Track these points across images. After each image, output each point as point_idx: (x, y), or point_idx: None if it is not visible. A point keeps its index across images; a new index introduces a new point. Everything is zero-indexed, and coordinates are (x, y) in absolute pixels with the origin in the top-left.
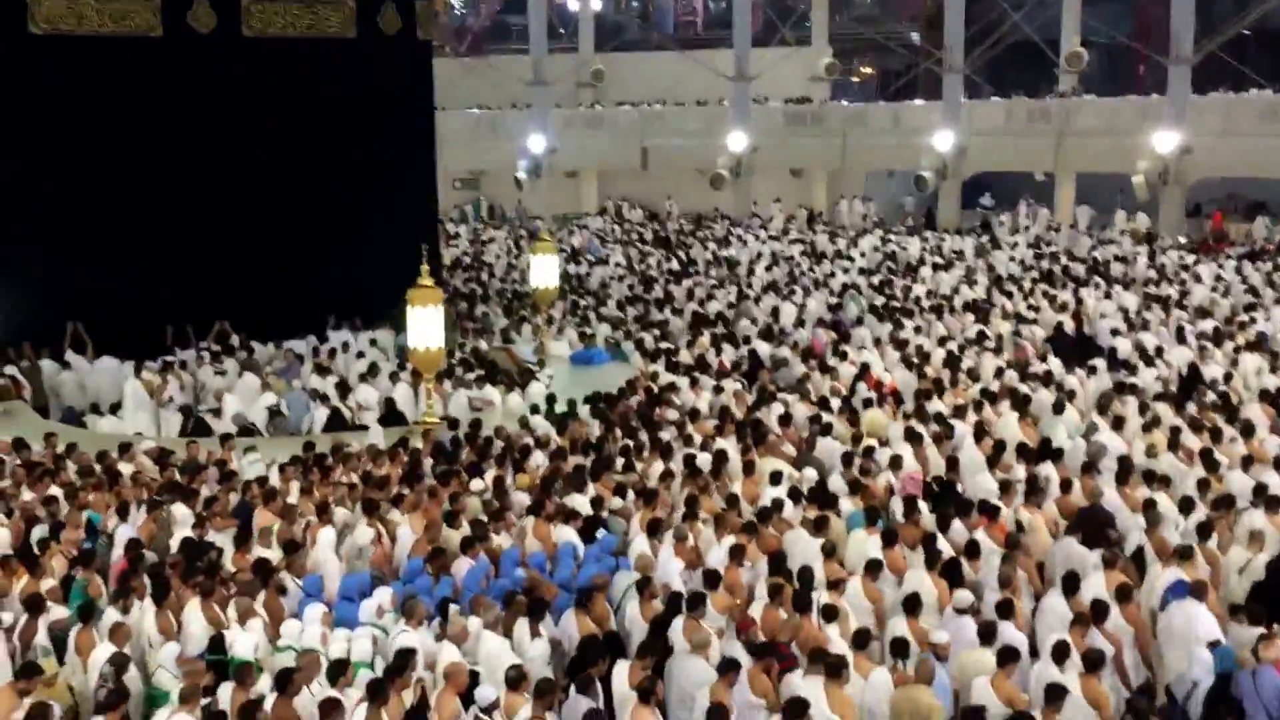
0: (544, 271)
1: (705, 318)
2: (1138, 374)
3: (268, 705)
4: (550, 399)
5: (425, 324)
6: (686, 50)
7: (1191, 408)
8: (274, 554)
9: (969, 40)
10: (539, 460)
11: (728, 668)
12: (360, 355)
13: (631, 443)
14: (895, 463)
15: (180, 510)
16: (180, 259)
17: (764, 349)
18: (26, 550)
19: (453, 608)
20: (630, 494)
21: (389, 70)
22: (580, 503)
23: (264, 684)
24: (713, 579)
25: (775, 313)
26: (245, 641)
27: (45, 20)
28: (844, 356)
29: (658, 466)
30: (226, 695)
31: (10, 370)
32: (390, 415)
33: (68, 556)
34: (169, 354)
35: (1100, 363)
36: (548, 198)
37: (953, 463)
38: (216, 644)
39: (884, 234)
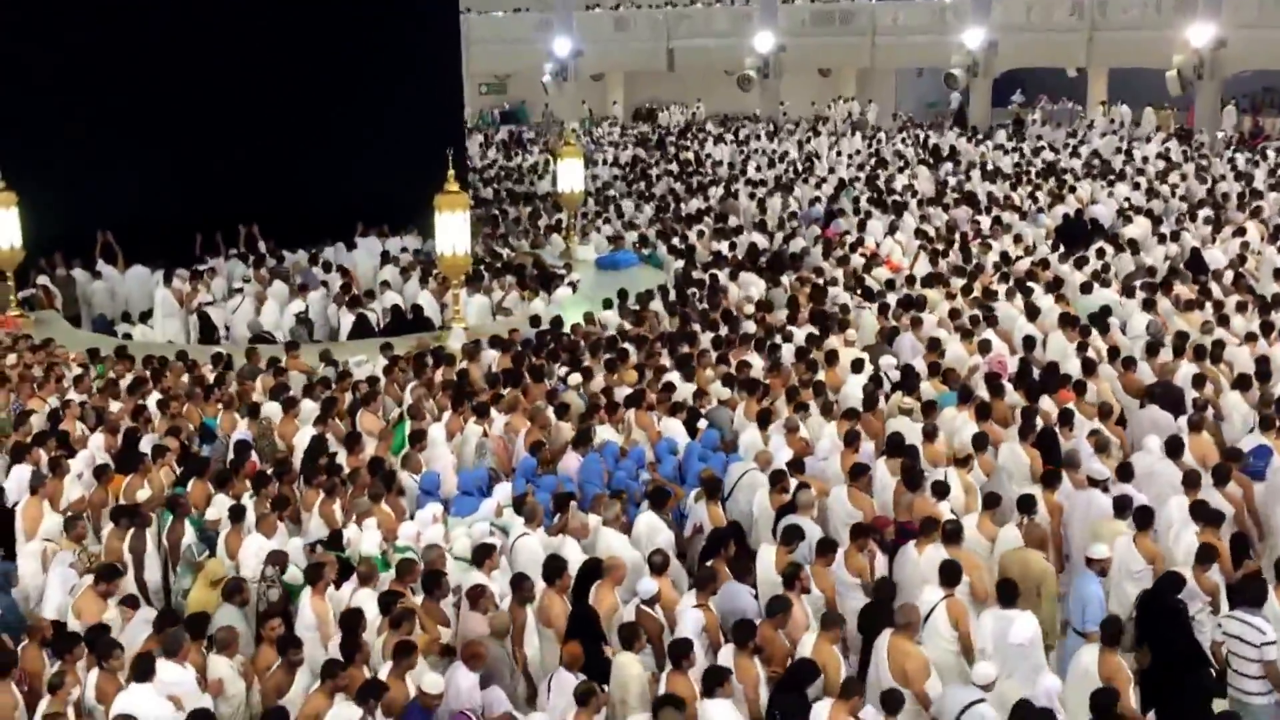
0: (569, 176)
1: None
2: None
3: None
4: (622, 293)
5: (452, 229)
6: None
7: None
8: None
9: None
10: (624, 354)
11: (825, 549)
12: (387, 261)
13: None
14: (984, 347)
15: (306, 407)
16: (207, 167)
17: (761, 241)
18: (125, 460)
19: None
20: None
21: None
22: (682, 394)
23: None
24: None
25: (762, 205)
26: (369, 539)
27: None
28: (855, 247)
29: (753, 358)
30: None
31: (42, 280)
32: (417, 321)
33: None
34: (198, 261)
35: (1109, 247)
36: (574, 100)
37: (1030, 342)
38: (334, 540)
39: (882, 132)
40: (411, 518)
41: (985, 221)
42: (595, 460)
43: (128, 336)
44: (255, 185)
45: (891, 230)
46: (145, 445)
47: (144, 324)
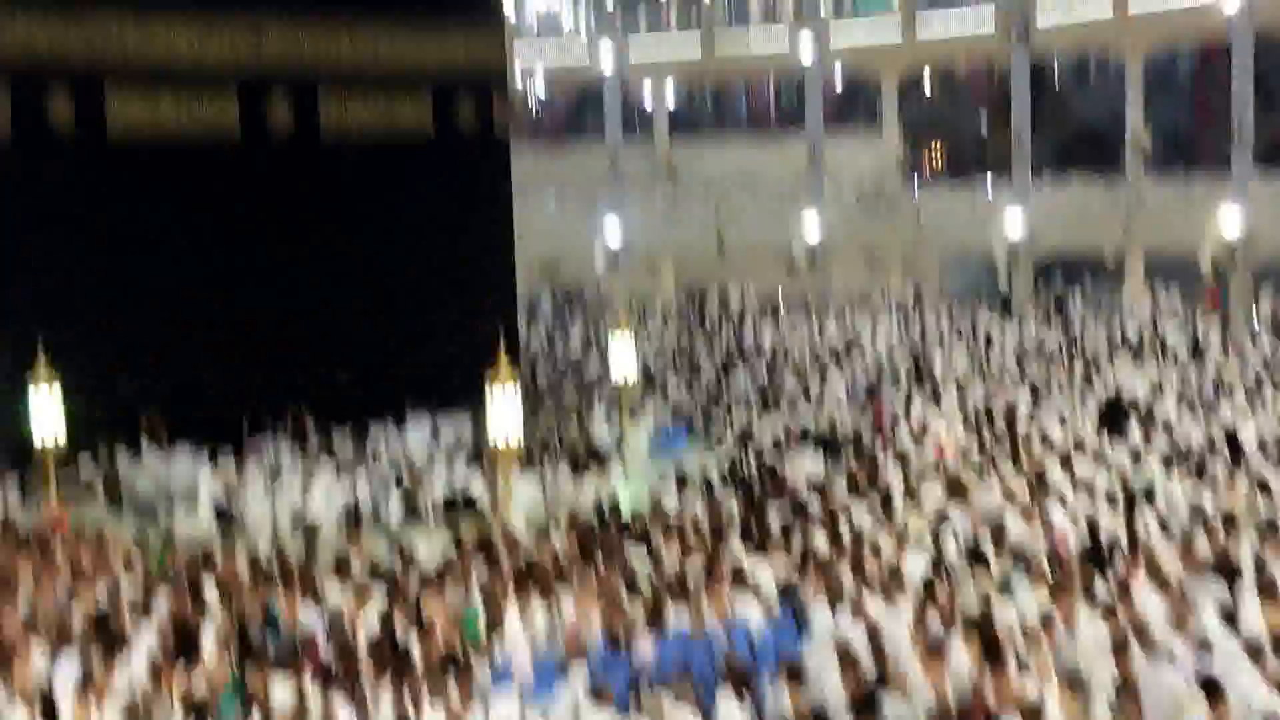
0: (621, 358)
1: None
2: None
3: None
4: (681, 475)
5: (503, 411)
6: (760, 138)
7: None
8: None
9: (1035, 124)
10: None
11: None
12: (437, 441)
13: (785, 515)
14: (1046, 522)
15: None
16: (254, 349)
17: (804, 419)
18: (181, 652)
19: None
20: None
21: (467, 162)
22: (752, 574)
23: None
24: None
25: (806, 386)
26: None
27: (124, 121)
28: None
29: (819, 537)
30: None
31: (85, 464)
32: (467, 504)
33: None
34: (245, 444)
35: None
36: (625, 284)
37: (1090, 518)
38: None
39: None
40: (483, 704)
41: (1026, 399)
42: (669, 643)
43: (171, 522)
44: (303, 366)
45: (935, 408)
46: (203, 636)
47: (189, 509)
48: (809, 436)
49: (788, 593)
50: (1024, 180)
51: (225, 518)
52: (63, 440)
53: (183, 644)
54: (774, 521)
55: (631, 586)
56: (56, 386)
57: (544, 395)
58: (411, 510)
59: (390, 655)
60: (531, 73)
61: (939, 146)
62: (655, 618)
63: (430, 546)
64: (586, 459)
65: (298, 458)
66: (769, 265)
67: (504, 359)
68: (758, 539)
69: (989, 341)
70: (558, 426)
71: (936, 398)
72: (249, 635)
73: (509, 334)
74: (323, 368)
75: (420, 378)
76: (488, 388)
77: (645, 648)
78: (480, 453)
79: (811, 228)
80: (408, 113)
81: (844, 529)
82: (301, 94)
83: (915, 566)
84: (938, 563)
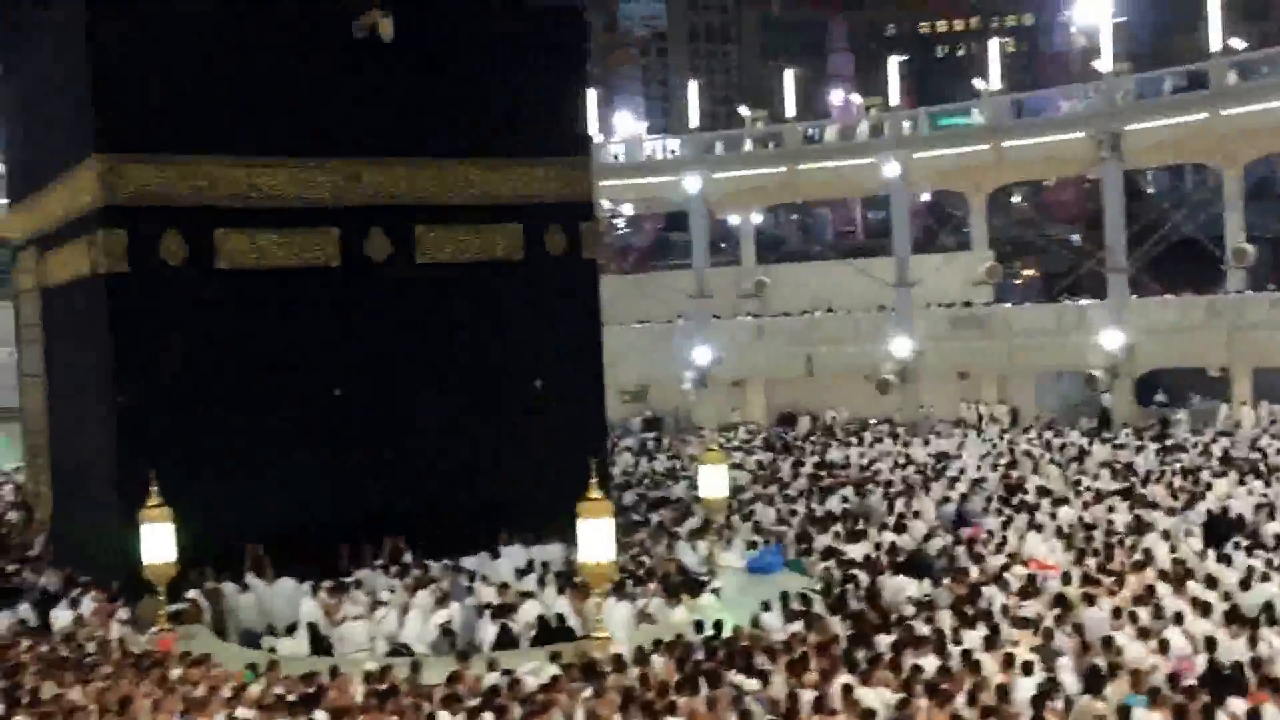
0: (712, 481)
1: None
2: None
3: None
4: (784, 596)
5: (595, 537)
6: (846, 259)
7: None
8: None
9: (1131, 238)
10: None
11: None
12: (529, 570)
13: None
14: (1164, 645)
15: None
16: (352, 480)
17: (896, 540)
18: None
19: None
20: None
21: (556, 289)
22: (863, 698)
23: None
24: None
25: (891, 506)
26: None
27: (229, 258)
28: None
29: (927, 660)
30: None
31: (192, 593)
32: (560, 630)
33: None
34: (344, 574)
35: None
36: (714, 407)
37: (1211, 641)
38: None
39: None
40: None
41: (1124, 519)
42: None
43: (273, 650)
44: (399, 496)
45: (1033, 529)
46: None
47: (289, 636)
48: (899, 555)
49: (899, 716)
50: (1120, 294)
51: (324, 645)
52: (172, 571)
53: None
54: (880, 643)
55: (742, 713)
56: (168, 523)
57: (634, 519)
58: (506, 636)
59: None
60: (618, 201)
61: (1029, 261)
62: None
63: (532, 671)
64: (678, 583)
65: (395, 586)
66: (858, 385)
67: (596, 490)
68: (866, 661)
69: (1082, 458)
70: (648, 550)
71: (1032, 516)
72: None
73: (600, 464)
74: (418, 497)
75: (512, 505)
76: (580, 520)
77: None
78: (572, 578)
79: (901, 347)
80: (497, 242)
81: (958, 652)
82: (397, 226)
83: (1026, 688)
84: (1049, 684)
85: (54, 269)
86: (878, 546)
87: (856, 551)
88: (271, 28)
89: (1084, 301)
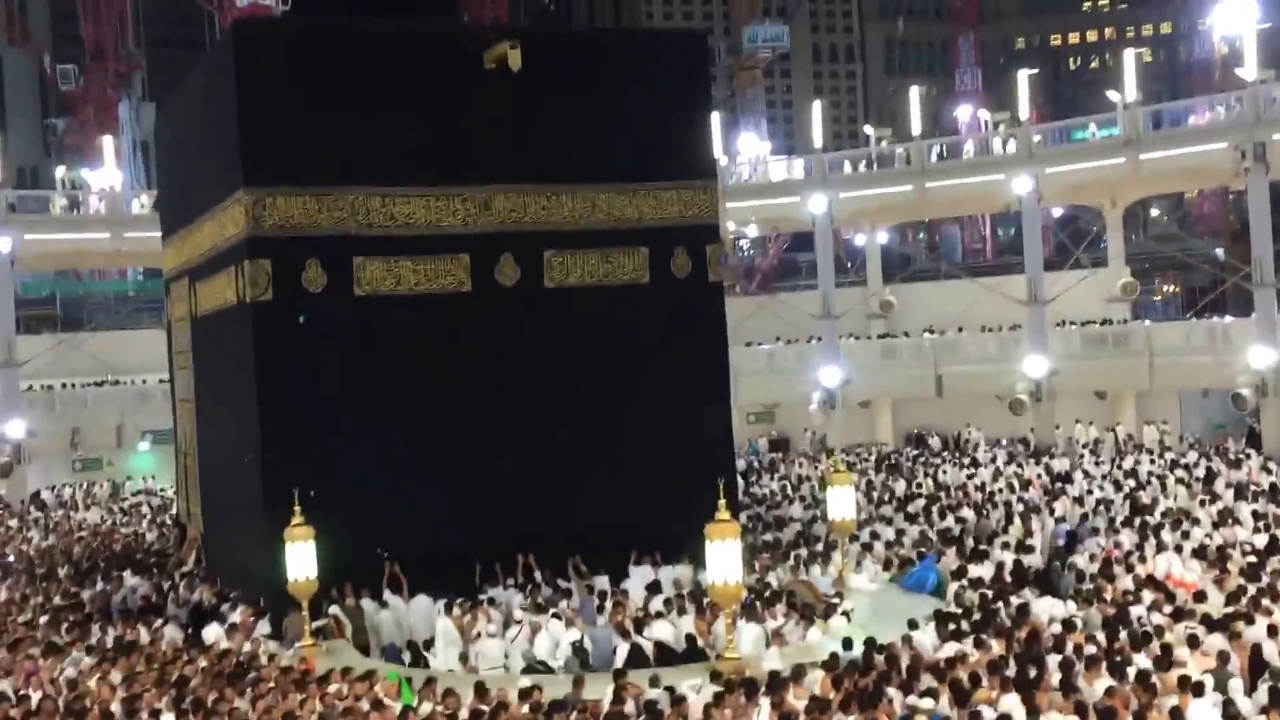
0: (840, 503)
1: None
2: None
3: None
4: (939, 615)
5: (723, 558)
6: (976, 278)
7: None
8: None
9: (1279, 252)
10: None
11: None
12: (658, 590)
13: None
14: None
15: None
16: (485, 498)
17: (1007, 558)
18: None
19: None
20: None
21: (682, 311)
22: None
23: None
24: None
25: (1009, 524)
26: None
27: (368, 284)
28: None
29: (1099, 682)
30: None
31: (333, 610)
32: (691, 651)
33: None
34: (478, 591)
35: None
36: (843, 428)
37: None
38: None
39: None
40: None
41: (1261, 541)
42: None
43: (414, 665)
44: (531, 515)
45: (1169, 549)
46: None
47: (427, 652)
48: (1028, 572)
49: None
50: (1268, 309)
51: (462, 661)
52: (314, 587)
53: None
54: (1042, 664)
55: None
56: (310, 541)
57: (761, 540)
58: (637, 655)
59: None
60: (744, 222)
61: (1170, 277)
62: None
63: (693, 687)
64: (807, 604)
65: (528, 605)
66: (990, 405)
67: (723, 511)
68: (1029, 680)
69: (1208, 480)
70: (777, 571)
71: (1174, 534)
72: None
73: (728, 485)
74: (549, 516)
75: (641, 525)
76: (708, 541)
77: None
78: (701, 599)
79: (1035, 366)
80: (624, 265)
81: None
82: (526, 252)
83: (1203, 712)
84: (1228, 708)
85: (203, 299)
86: (1000, 566)
87: (984, 572)
88: (406, 62)
89: (1229, 318)
